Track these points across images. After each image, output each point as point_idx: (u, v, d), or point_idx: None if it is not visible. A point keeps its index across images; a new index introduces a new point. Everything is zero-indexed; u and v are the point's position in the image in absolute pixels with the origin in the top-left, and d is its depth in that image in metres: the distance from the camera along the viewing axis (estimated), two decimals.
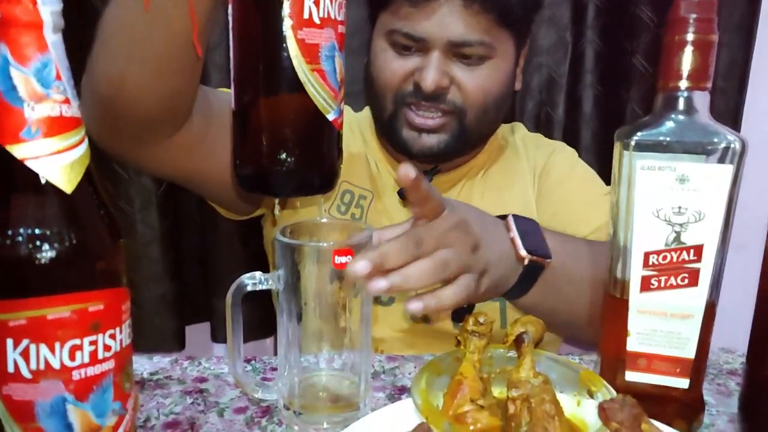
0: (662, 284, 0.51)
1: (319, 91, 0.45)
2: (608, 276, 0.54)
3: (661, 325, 0.51)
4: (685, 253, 0.50)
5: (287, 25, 0.43)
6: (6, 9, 0.35)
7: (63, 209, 0.37)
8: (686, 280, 0.50)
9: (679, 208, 0.50)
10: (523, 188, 0.91)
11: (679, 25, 0.49)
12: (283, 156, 0.46)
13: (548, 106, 1.15)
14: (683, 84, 0.49)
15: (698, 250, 0.50)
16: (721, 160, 0.49)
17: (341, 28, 0.46)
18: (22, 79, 0.36)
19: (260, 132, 0.47)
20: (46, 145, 0.37)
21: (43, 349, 0.37)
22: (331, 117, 0.46)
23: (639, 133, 0.50)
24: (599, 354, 0.56)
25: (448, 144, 0.81)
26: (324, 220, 0.58)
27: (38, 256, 0.36)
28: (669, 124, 0.50)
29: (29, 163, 0.36)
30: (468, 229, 0.58)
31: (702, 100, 0.50)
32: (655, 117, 0.51)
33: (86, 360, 0.38)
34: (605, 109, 1.13)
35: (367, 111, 0.95)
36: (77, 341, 0.37)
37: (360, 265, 0.48)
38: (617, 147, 0.52)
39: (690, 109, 0.50)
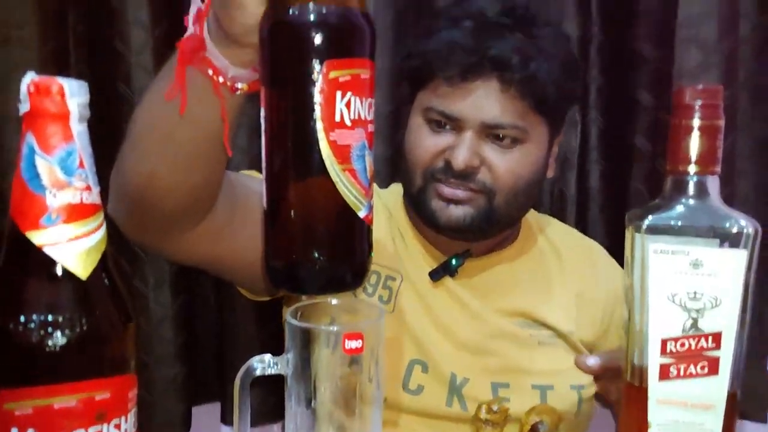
0: (681, 372, 0.49)
1: (350, 190, 0.45)
2: (625, 363, 0.52)
3: (682, 416, 0.49)
4: (703, 340, 0.49)
5: (319, 127, 0.44)
6: (36, 100, 0.37)
7: (76, 296, 0.37)
8: (706, 369, 0.49)
9: (695, 293, 0.49)
10: (563, 295, 0.89)
11: (684, 111, 0.50)
12: (315, 255, 0.46)
13: (561, 183, 1.16)
14: (692, 168, 0.50)
15: (716, 337, 0.48)
16: (734, 245, 0.49)
17: (371, 127, 0.47)
18: (46, 167, 0.37)
19: (292, 230, 0.47)
20: (65, 232, 0.37)
21: None
22: (362, 214, 0.47)
23: (650, 217, 0.50)
24: None
25: (475, 219, 0.81)
26: (335, 302, 0.57)
27: (49, 343, 0.36)
28: (679, 209, 0.50)
29: (47, 250, 0.37)
30: None
31: (712, 184, 0.50)
32: (665, 200, 0.51)
33: None
34: (612, 187, 1.13)
35: (394, 187, 0.95)
36: None
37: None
38: (629, 230, 0.52)
39: (701, 193, 0.50)
